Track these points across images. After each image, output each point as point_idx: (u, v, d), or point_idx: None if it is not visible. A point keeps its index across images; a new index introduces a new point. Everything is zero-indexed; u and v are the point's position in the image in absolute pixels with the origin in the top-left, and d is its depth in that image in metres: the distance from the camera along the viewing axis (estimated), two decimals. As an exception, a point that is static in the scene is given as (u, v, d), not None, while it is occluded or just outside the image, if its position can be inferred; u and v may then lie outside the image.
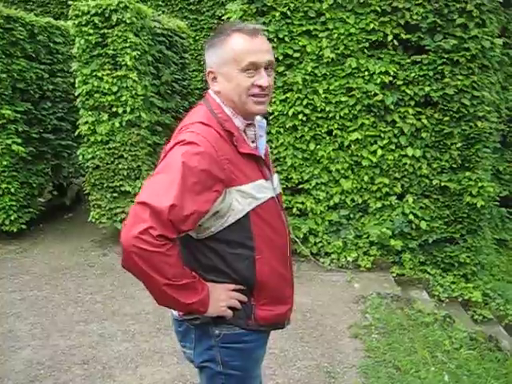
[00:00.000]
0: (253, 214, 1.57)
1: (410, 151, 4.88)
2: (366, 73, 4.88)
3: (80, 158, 5.72)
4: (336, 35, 4.91)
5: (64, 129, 6.91)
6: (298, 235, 5.04)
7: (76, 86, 5.55)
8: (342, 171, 5.08)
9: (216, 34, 1.62)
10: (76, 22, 5.37)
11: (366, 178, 5.02)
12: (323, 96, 4.99)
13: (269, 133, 5.02)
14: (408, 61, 4.86)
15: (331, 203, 5.10)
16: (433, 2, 4.72)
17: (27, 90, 6.16)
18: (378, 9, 4.81)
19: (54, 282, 4.87)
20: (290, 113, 5.04)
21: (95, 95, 5.46)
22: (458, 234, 4.99)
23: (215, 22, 9.54)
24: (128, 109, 5.40)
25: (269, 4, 4.96)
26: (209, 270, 1.60)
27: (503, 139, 6.43)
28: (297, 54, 5.01)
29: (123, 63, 5.37)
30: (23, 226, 6.02)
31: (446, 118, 4.81)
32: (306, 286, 4.61)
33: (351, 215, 5.13)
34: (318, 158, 5.11)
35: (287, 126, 5.10)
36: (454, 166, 4.89)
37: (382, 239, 4.88)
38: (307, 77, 4.99)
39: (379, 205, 5.02)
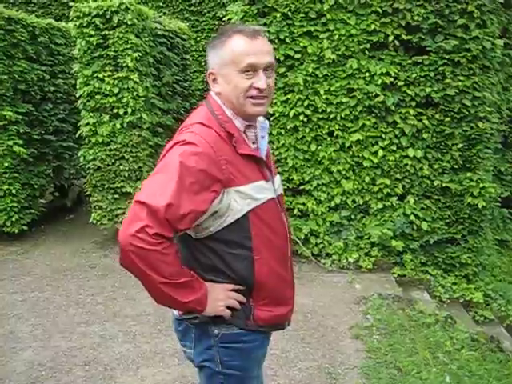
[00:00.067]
0: (252, 215, 1.57)
1: (411, 152, 4.88)
2: (367, 74, 4.88)
3: (81, 159, 5.72)
4: (337, 36, 4.91)
5: (65, 130, 6.93)
6: (299, 236, 5.04)
7: (77, 87, 5.56)
8: (343, 172, 5.08)
9: (217, 35, 1.63)
10: (77, 23, 5.38)
11: (367, 179, 5.02)
12: (324, 97, 4.99)
13: (270, 134, 5.02)
14: (409, 62, 4.86)
15: (332, 204, 5.10)
16: (434, 2, 4.72)
17: (28, 92, 6.17)
18: (379, 10, 4.82)
19: (55, 283, 4.87)
20: (291, 114, 5.04)
21: (96, 96, 5.46)
22: (459, 235, 4.98)
23: (216, 23, 9.55)
24: (129, 110, 5.41)
25: (270, 5, 4.97)
26: (208, 270, 1.60)
27: (504, 140, 6.41)
28: (298, 55, 5.01)
29: (124, 64, 5.38)
30: (24, 228, 6.03)
31: (447, 119, 4.81)
32: (307, 286, 4.61)
33: (352, 216, 5.13)
34: (319, 159, 5.11)
35: (288, 127, 5.10)
36: (455, 166, 4.89)
37: (383, 240, 4.88)
38: (308, 78, 5.00)
39: (380, 206, 5.02)
